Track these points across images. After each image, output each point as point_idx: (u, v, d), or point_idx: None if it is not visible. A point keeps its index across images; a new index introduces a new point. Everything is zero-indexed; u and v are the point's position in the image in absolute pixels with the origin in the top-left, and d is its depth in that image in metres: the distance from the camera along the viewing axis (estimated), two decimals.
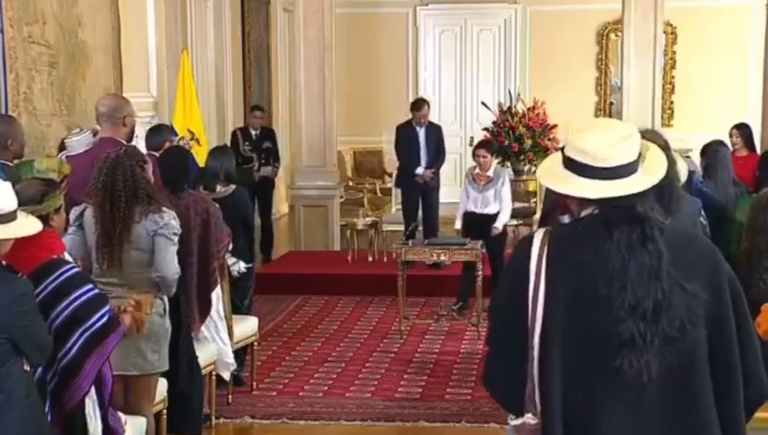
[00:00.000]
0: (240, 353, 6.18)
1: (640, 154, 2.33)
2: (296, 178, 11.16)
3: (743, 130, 8.02)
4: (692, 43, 13.75)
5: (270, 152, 10.17)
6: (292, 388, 6.40)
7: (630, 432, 2.28)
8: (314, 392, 6.31)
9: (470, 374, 6.66)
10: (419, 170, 9.34)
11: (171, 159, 5.55)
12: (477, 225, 7.83)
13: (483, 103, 11.50)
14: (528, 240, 2.41)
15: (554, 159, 2.42)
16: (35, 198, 3.60)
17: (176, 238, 4.44)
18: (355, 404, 6.07)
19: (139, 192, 4.32)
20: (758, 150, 8.45)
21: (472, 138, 13.98)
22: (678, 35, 13.98)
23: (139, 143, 6.37)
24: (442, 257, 7.59)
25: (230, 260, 5.92)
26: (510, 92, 11.80)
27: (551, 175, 2.43)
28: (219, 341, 5.60)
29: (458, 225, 8.04)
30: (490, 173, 7.97)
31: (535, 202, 10.43)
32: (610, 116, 13.96)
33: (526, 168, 10.69)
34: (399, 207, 10.10)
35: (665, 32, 11.96)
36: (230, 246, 5.73)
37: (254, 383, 6.29)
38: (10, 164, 4.84)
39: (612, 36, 14.02)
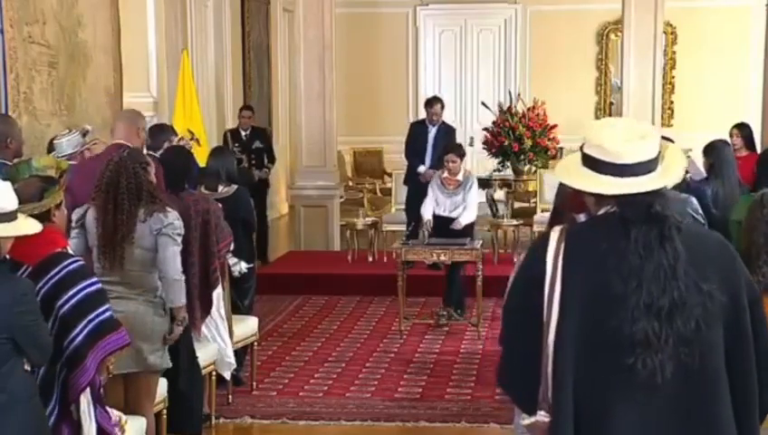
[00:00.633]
0: (240, 353, 6.18)
1: (660, 153, 2.32)
2: (296, 179, 11.16)
3: (743, 130, 8.01)
4: (692, 42, 13.76)
5: (261, 153, 10.08)
6: (292, 388, 6.40)
7: (641, 433, 2.27)
8: (314, 392, 6.31)
9: (470, 374, 6.66)
10: (421, 169, 9.32)
11: (172, 159, 5.55)
12: (446, 228, 7.70)
13: (483, 103, 11.48)
14: (544, 238, 2.39)
15: (572, 158, 2.41)
16: (36, 196, 3.63)
17: (179, 239, 4.46)
18: (355, 404, 6.07)
19: (142, 194, 4.36)
20: (758, 150, 8.45)
21: (472, 138, 14.02)
22: (678, 35, 13.98)
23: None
24: (442, 257, 7.58)
25: (231, 260, 5.92)
26: (510, 92, 11.78)
27: (568, 172, 2.41)
28: (220, 340, 5.60)
29: (426, 217, 7.77)
30: (459, 177, 7.86)
31: (535, 202, 10.42)
32: (611, 116, 13.98)
33: (526, 168, 10.68)
34: (399, 206, 10.10)
35: (665, 32, 11.97)
36: (231, 247, 5.73)
37: (255, 383, 6.29)
38: (9, 163, 4.85)
39: (612, 36, 14.03)
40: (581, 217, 2.61)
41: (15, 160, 4.98)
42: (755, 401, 2.32)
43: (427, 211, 7.82)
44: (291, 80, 12.27)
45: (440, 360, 7.04)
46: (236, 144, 9.85)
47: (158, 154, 5.74)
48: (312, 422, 5.77)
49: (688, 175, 5.99)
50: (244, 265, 6.11)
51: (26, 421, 3.23)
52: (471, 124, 14.23)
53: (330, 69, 10.63)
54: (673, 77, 14.07)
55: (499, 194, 11.22)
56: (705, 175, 6.32)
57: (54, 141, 5.60)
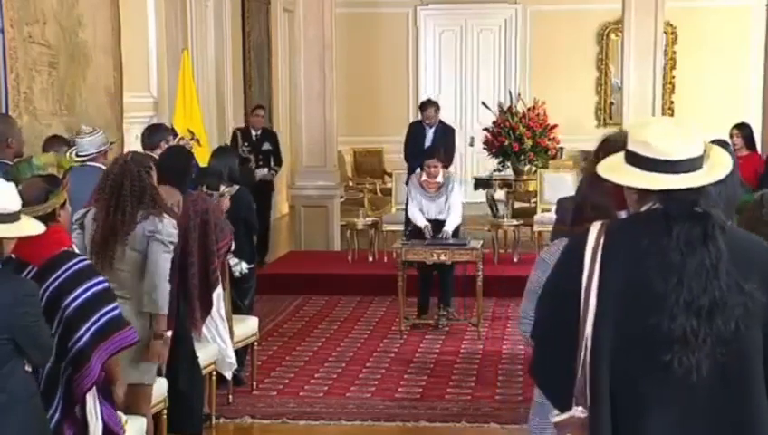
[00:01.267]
0: (240, 353, 6.18)
1: (705, 152, 2.31)
2: (296, 179, 11.16)
3: (743, 129, 8.02)
4: (692, 42, 13.76)
5: (269, 154, 10.08)
6: (292, 388, 6.40)
7: (677, 431, 2.26)
8: (315, 392, 6.31)
9: (470, 374, 6.66)
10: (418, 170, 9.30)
11: (173, 159, 5.55)
12: (434, 231, 7.63)
13: (483, 103, 11.48)
14: (584, 232, 2.38)
15: (615, 157, 2.40)
16: (40, 198, 3.64)
17: (171, 247, 4.42)
18: (355, 404, 6.07)
19: (145, 198, 4.37)
20: (759, 150, 8.46)
21: (472, 138, 14.02)
22: (679, 35, 13.98)
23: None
24: (442, 257, 7.57)
25: (232, 261, 5.92)
26: (510, 92, 11.78)
27: (611, 169, 2.40)
28: (220, 341, 5.60)
29: (422, 223, 7.72)
30: (439, 179, 7.77)
31: (536, 202, 10.42)
32: (611, 116, 13.99)
33: (526, 168, 10.68)
34: (399, 207, 10.09)
35: (665, 32, 11.96)
36: (232, 246, 5.73)
37: (255, 383, 6.29)
38: (10, 163, 4.85)
39: (612, 36, 14.03)
40: (622, 215, 2.60)
41: (15, 160, 4.98)
42: None
43: (419, 216, 7.73)
44: (291, 80, 12.27)
45: (440, 360, 7.04)
46: (246, 143, 9.84)
47: (153, 154, 5.73)
48: (312, 422, 5.77)
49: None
50: (244, 266, 6.11)
51: (26, 422, 3.23)
52: (471, 124, 14.24)
53: (330, 69, 10.63)
54: (673, 77, 14.07)
55: (499, 194, 11.21)
56: None
57: (77, 140, 5.59)
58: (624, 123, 9.74)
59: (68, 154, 5.22)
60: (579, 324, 2.30)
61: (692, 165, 2.27)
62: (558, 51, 13.89)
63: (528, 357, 3.42)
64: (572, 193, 3.85)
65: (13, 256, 3.33)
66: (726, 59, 13.52)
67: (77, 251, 3.81)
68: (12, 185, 3.28)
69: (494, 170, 11.03)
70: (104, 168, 4.84)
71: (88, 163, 5.39)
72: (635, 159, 2.31)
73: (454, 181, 7.90)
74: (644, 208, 2.34)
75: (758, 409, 2.27)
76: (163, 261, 4.39)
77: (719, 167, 2.33)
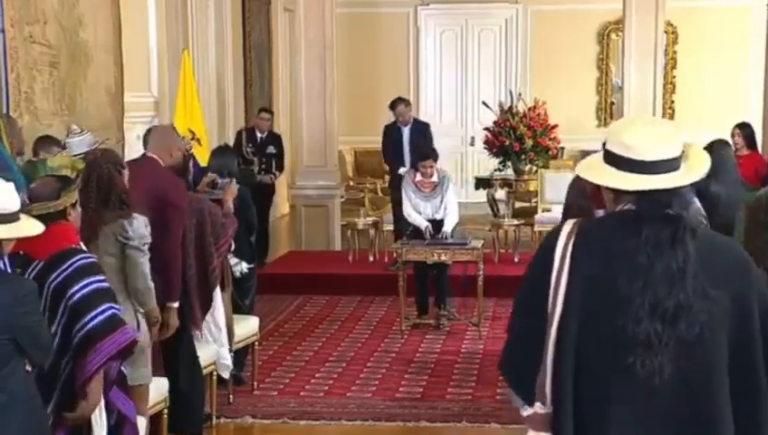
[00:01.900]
0: (241, 353, 6.19)
1: (683, 152, 2.29)
2: (297, 178, 11.16)
3: (744, 129, 8.02)
4: (693, 42, 13.76)
5: (273, 158, 10.02)
6: (293, 388, 6.40)
7: (638, 433, 2.25)
8: (315, 392, 6.31)
9: (471, 374, 6.66)
10: (402, 171, 9.18)
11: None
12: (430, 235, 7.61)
13: (484, 103, 11.48)
14: (556, 230, 2.38)
15: (596, 156, 2.40)
16: (52, 195, 3.67)
17: (146, 247, 4.37)
18: (356, 404, 6.07)
19: (111, 197, 4.27)
20: (760, 149, 8.46)
21: (473, 137, 14.04)
22: (679, 35, 13.98)
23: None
24: (443, 257, 7.57)
25: (232, 260, 5.92)
26: (511, 92, 11.77)
27: (588, 168, 2.40)
28: (216, 342, 5.60)
29: (423, 224, 7.66)
30: (434, 178, 7.71)
31: (536, 202, 10.42)
32: (612, 116, 13.99)
33: (527, 167, 10.68)
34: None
35: (665, 31, 11.96)
36: (232, 247, 5.72)
37: (255, 383, 6.29)
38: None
39: (613, 36, 14.02)
40: (600, 214, 2.60)
41: (18, 160, 4.99)
42: (762, 412, 2.27)
43: (417, 216, 7.68)
44: (292, 79, 12.27)
45: (441, 360, 7.04)
46: (250, 144, 9.80)
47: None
48: (312, 422, 5.77)
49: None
50: (244, 266, 6.11)
51: (27, 422, 3.23)
52: (472, 124, 14.24)
53: (330, 68, 10.63)
54: (674, 77, 14.07)
55: (500, 194, 11.21)
56: (705, 175, 6.30)
57: (66, 140, 5.59)
58: None
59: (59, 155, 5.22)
60: (546, 322, 2.30)
61: (668, 166, 2.26)
62: (559, 50, 13.89)
63: None
64: None
65: (20, 251, 3.35)
66: (727, 58, 13.52)
67: (84, 248, 3.81)
68: (11, 185, 3.29)
69: (495, 170, 11.03)
70: None
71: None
72: (612, 159, 2.31)
73: (448, 179, 7.86)
74: (618, 209, 2.33)
75: (720, 415, 2.25)
76: (142, 266, 4.34)
77: (696, 168, 2.31)
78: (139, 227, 4.34)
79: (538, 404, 2.33)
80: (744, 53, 13.32)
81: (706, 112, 13.17)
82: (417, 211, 7.72)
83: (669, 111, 13.85)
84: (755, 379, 2.27)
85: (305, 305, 8.77)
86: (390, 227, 10.05)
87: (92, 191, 4.23)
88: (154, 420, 4.69)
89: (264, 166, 9.88)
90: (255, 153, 9.81)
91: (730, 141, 7.26)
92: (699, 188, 6.12)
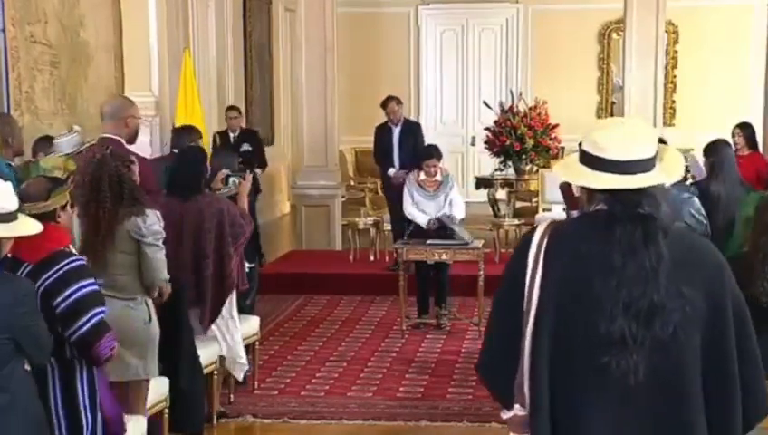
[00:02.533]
0: None
1: (657, 153, 2.30)
2: (298, 178, 11.16)
3: (745, 129, 8.01)
4: (694, 42, 13.75)
5: (249, 155, 9.89)
6: (293, 387, 6.40)
7: (614, 433, 2.26)
8: (316, 392, 6.31)
9: (472, 374, 6.65)
10: (391, 171, 9.17)
11: (189, 161, 5.57)
12: (432, 230, 7.56)
13: (484, 103, 11.48)
14: (530, 231, 2.39)
15: (573, 156, 2.41)
16: (42, 195, 3.63)
17: (161, 241, 4.38)
18: (357, 404, 6.07)
19: (124, 193, 4.28)
20: (761, 149, 8.45)
21: (474, 137, 14.03)
22: (680, 34, 13.97)
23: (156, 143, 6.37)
24: (444, 257, 7.57)
25: None
26: (511, 92, 11.78)
27: (564, 166, 2.42)
28: (230, 340, 5.61)
29: (425, 220, 7.62)
30: (438, 177, 7.70)
31: (537, 202, 10.42)
32: (612, 116, 13.98)
33: (528, 167, 10.69)
34: None
35: (666, 31, 11.96)
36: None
37: (256, 383, 6.29)
38: (12, 163, 4.86)
39: (614, 36, 14.02)
40: (575, 214, 2.61)
41: (17, 159, 4.99)
42: (735, 411, 2.28)
43: (417, 213, 7.65)
44: (292, 79, 12.27)
45: (442, 359, 7.04)
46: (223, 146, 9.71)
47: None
48: (313, 422, 5.77)
49: (689, 173, 5.97)
50: (246, 265, 6.10)
51: (27, 421, 3.23)
52: (473, 124, 14.24)
53: (331, 68, 10.63)
54: (675, 76, 14.06)
55: (501, 193, 11.22)
56: (706, 174, 6.31)
57: (54, 141, 5.60)
58: None
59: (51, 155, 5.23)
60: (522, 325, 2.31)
61: (641, 166, 2.26)
62: (559, 50, 13.88)
63: None
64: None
65: (9, 254, 3.33)
66: (728, 58, 13.51)
67: (74, 251, 3.79)
68: (9, 184, 3.28)
69: (496, 170, 11.04)
70: None
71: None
72: (585, 158, 2.32)
73: (452, 179, 7.87)
74: (591, 209, 2.33)
75: (695, 413, 2.26)
76: (158, 261, 4.37)
77: (670, 170, 2.32)
78: (153, 223, 4.34)
79: (517, 406, 2.34)
80: (745, 52, 13.31)
81: (707, 112, 13.16)
82: (420, 210, 7.71)
83: (670, 111, 13.85)
84: (728, 376, 2.27)
85: (306, 305, 8.77)
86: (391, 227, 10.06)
87: (106, 191, 4.24)
88: (154, 420, 4.69)
89: (241, 165, 9.71)
90: None
91: (730, 141, 7.25)
92: (700, 187, 6.15)
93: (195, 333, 5.21)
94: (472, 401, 6.09)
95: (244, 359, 5.74)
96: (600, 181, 2.27)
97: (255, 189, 9.93)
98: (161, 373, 4.67)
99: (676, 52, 14.04)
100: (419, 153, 8.00)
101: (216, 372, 5.59)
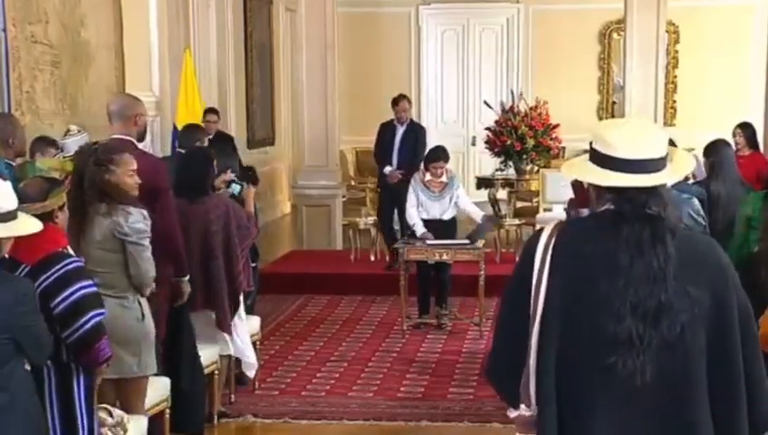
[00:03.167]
0: None
1: (668, 154, 2.30)
2: (298, 178, 11.16)
3: (746, 129, 8.01)
4: (694, 42, 13.75)
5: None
6: (294, 387, 6.40)
7: (620, 433, 2.26)
8: (317, 392, 6.31)
9: (472, 374, 6.66)
10: (387, 169, 9.18)
11: (196, 162, 5.57)
12: (435, 231, 7.56)
13: (485, 102, 11.49)
14: (539, 231, 2.39)
15: (582, 156, 2.41)
16: (39, 196, 3.62)
17: (147, 241, 4.30)
18: (357, 404, 6.07)
19: (105, 190, 4.21)
20: (761, 149, 8.45)
21: (474, 137, 14.03)
22: (681, 34, 13.98)
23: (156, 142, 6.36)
24: (444, 257, 7.56)
25: None
26: (512, 92, 11.78)
27: (572, 165, 2.42)
28: (239, 340, 5.62)
29: (420, 230, 7.59)
30: (443, 178, 7.67)
31: (538, 201, 10.42)
32: (613, 115, 13.99)
33: (528, 167, 10.69)
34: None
35: (667, 31, 11.96)
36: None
37: (257, 383, 6.28)
38: (13, 163, 4.85)
39: (615, 36, 14.02)
40: (585, 213, 2.61)
41: (18, 159, 4.99)
42: (740, 412, 2.27)
43: (417, 219, 7.62)
44: (293, 79, 12.27)
45: (442, 359, 7.04)
46: None
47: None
48: (314, 421, 5.77)
49: (690, 172, 5.96)
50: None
51: (28, 421, 3.23)
52: (473, 124, 14.24)
53: (332, 68, 10.63)
54: (675, 76, 14.06)
55: (501, 193, 11.21)
56: (706, 175, 6.32)
57: (61, 142, 5.59)
58: None
59: (57, 156, 5.21)
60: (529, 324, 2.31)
61: (652, 166, 2.26)
62: (560, 50, 13.88)
63: None
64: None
65: (6, 255, 3.31)
66: (729, 58, 13.51)
67: (71, 252, 3.78)
68: (8, 184, 3.27)
69: (497, 170, 11.04)
70: None
71: None
72: (595, 157, 2.31)
73: (458, 182, 7.87)
74: (600, 209, 2.33)
75: (701, 413, 2.26)
76: (145, 260, 4.29)
77: (678, 170, 2.32)
78: (136, 221, 4.25)
79: (523, 406, 2.34)
80: (746, 52, 13.31)
81: (708, 112, 13.16)
82: (425, 211, 7.69)
83: (671, 111, 13.85)
84: (733, 375, 2.27)
85: (306, 305, 8.77)
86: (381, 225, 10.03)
87: (86, 187, 4.17)
88: (156, 420, 4.69)
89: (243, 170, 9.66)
90: None
91: (731, 141, 7.25)
92: (699, 187, 6.13)
93: (208, 335, 5.22)
94: (473, 401, 6.09)
95: (253, 358, 5.75)
96: (609, 179, 2.26)
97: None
98: (162, 374, 4.67)
99: (676, 52, 14.04)
100: (427, 154, 7.99)
101: (216, 372, 5.59)
